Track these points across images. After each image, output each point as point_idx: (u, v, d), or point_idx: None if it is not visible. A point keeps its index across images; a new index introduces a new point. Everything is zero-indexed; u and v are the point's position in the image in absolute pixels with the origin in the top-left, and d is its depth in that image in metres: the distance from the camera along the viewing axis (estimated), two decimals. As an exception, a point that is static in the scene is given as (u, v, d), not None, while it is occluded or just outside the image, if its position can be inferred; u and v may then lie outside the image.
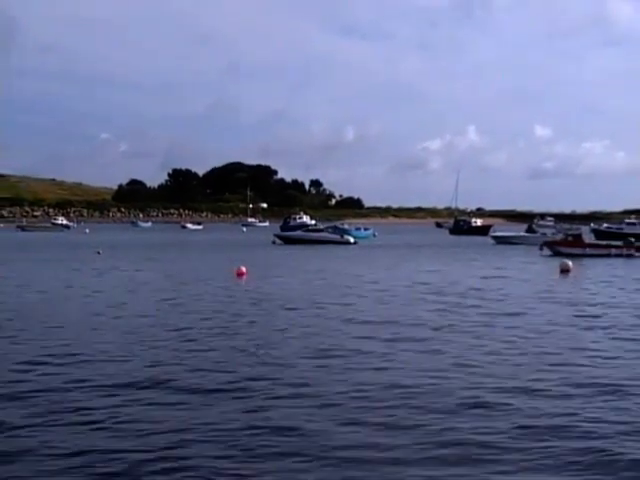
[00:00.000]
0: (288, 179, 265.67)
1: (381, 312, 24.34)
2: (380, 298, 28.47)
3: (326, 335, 19.69)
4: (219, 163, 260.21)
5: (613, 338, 19.47)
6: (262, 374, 14.66)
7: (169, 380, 14.11)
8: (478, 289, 32.09)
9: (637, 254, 59.60)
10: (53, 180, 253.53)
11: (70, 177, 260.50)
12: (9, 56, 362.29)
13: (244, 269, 38.46)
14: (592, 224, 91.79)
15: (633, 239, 64.93)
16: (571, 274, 41.20)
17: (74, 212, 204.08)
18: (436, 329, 20.64)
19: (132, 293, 30.15)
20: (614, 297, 29.56)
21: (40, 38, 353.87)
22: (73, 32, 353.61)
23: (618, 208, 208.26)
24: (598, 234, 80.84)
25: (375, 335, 19.49)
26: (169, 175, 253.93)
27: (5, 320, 21.81)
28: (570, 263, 43.09)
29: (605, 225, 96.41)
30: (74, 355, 16.62)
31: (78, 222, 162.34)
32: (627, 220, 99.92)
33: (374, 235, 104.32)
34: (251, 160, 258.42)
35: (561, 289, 33.09)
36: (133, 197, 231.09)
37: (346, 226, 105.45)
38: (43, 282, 34.34)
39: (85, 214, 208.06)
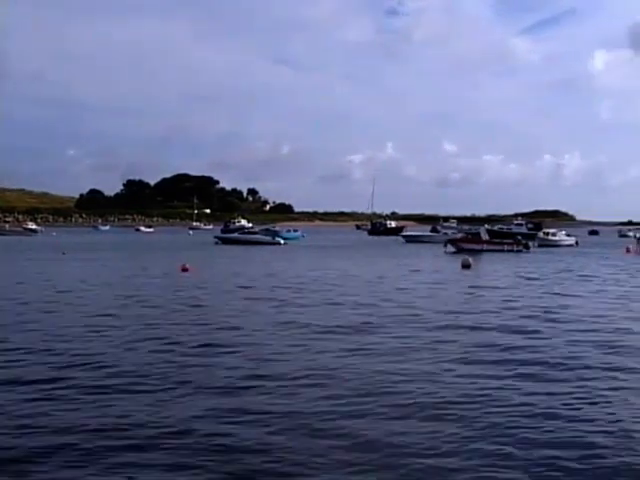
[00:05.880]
0: (229, 188, 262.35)
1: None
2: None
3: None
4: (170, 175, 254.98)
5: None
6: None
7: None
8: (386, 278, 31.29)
9: (524, 250, 60.33)
10: (22, 190, 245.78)
11: (38, 187, 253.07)
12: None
13: (187, 265, 38.63)
14: (486, 225, 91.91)
15: (520, 237, 65.53)
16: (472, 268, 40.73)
17: (41, 218, 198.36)
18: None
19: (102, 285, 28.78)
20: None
21: (26, 68, 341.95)
22: (54, 64, 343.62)
23: (510, 212, 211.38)
24: (491, 234, 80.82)
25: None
26: (124, 185, 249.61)
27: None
28: (471, 259, 42.43)
29: (498, 226, 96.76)
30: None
31: (45, 227, 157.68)
32: (515, 221, 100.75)
33: (303, 236, 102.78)
34: (200, 172, 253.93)
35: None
36: (93, 204, 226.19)
37: (278, 228, 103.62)
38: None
39: (51, 220, 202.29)
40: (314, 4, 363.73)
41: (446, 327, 18.38)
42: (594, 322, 19.30)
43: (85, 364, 13.44)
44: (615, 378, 12.52)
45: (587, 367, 13.29)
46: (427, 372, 12.84)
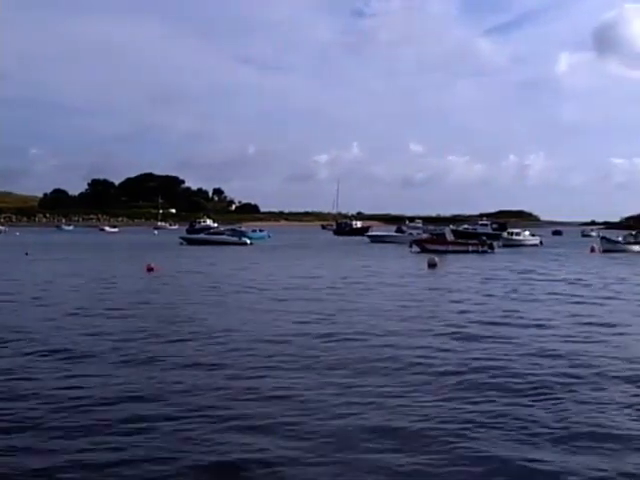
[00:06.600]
0: (194, 188, 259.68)
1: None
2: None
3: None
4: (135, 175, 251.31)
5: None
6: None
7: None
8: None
9: (489, 250, 60.50)
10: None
11: (1, 187, 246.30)
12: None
13: (152, 265, 38.78)
14: (451, 225, 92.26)
15: (484, 237, 65.70)
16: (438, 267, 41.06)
17: (4, 217, 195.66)
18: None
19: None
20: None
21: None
22: (19, 63, 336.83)
23: (475, 212, 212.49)
24: (457, 234, 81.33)
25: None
26: (89, 184, 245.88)
27: None
28: (437, 259, 42.64)
29: (463, 226, 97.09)
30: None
31: (8, 226, 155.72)
32: (480, 222, 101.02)
33: (269, 236, 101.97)
34: (166, 172, 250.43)
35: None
36: (57, 204, 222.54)
37: (243, 228, 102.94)
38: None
39: (14, 219, 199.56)
40: (279, 4, 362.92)
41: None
42: (541, 327, 19.02)
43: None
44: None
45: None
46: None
